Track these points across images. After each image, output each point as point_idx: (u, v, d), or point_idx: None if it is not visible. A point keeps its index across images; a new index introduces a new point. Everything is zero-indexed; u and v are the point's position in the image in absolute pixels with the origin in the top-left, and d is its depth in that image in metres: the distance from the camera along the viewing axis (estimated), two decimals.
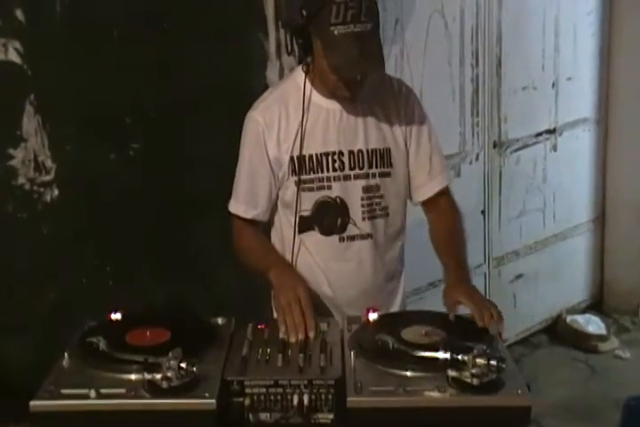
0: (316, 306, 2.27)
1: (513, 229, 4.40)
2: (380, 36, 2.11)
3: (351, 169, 2.28)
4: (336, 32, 2.04)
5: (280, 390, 1.74)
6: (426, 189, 2.40)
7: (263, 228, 2.40)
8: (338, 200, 2.29)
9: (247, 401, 1.74)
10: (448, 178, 2.44)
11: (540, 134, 4.42)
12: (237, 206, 2.34)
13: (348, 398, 1.68)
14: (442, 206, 2.43)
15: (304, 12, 2.07)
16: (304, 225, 2.32)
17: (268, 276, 2.18)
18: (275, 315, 2.16)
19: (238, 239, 2.35)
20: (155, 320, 1.99)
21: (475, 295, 2.14)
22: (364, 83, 2.20)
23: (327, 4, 2.03)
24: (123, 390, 1.69)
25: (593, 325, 4.61)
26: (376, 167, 2.30)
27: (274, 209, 2.37)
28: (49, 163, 2.91)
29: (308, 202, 2.29)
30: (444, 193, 2.43)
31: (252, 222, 2.34)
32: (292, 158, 2.25)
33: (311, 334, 1.97)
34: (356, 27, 2.04)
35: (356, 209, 2.31)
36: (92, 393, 1.67)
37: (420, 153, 2.37)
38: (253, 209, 2.32)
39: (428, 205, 2.43)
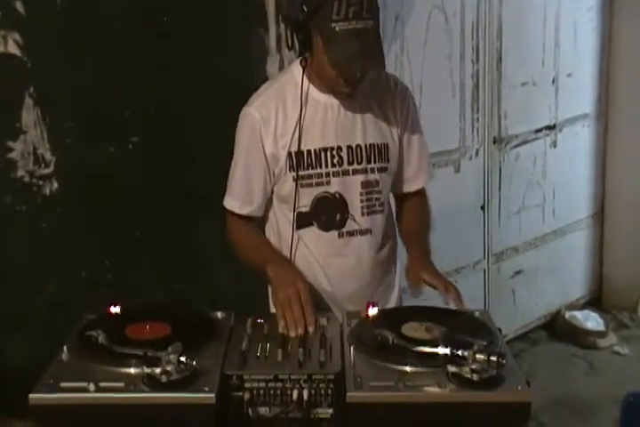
0: (315, 301, 2.27)
1: (512, 225, 4.40)
2: (380, 34, 2.11)
3: (350, 164, 2.28)
4: (337, 28, 2.03)
5: (279, 384, 1.74)
6: (409, 184, 2.44)
7: (257, 223, 2.39)
8: (337, 196, 2.29)
9: (247, 395, 1.73)
10: (430, 178, 2.49)
11: (539, 130, 4.42)
12: (232, 202, 2.33)
13: (348, 393, 1.68)
14: (414, 200, 2.48)
15: (305, 8, 2.07)
16: (302, 221, 2.31)
17: (266, 271, 2.17)
18: (273, 310, 2.15)
19: (233, 235, 2.35)
20: (154, 314, 1.99)
21: (437, 273, 2.20)
22: (364, 79, 2.20)
23: (328, 1, 2.02)
24: (122, 384, 1.69)
25: (592, 321, 4.61)
26: (374, 162, 2.30)
27: (268, 204, 2.36)
28: (48, 155, 2.91)
29: (306, 198, 2.28)
30: (421, 190, 2.49)
31: (246, 218, 2.34)
32: (289, 154, 2.24)
33: (311, 329, 1.97)
34: (358, 23, 2.03)
35: (355, 204, 2.31)
36: (92, 387, 1.67)
37: (410, 149, 2.39)
38: (248, 205, 2.31)
39: (403, 198, 2.49)
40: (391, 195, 2.48)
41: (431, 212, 2.51)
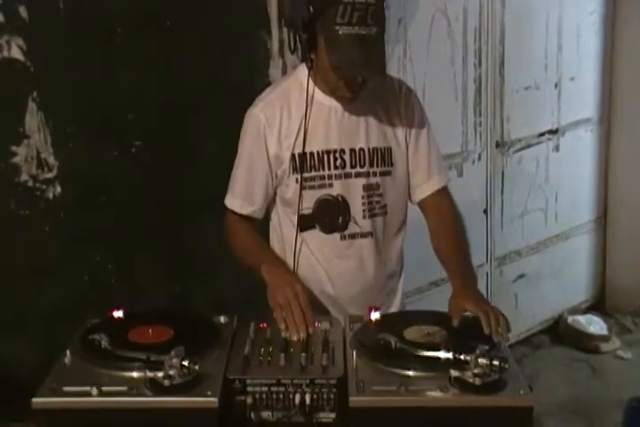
0: (317, 304, 2.28)
1: (515, 229, 4.40)
2: (384, 42, 2.11)
3: (352, 167, 2.28)
4: (340, 32, 2.03)
5: (282, 388, 1.74)
6: (423, 188, 2.39)
7: (258, 226, 2.39)
8: (339, 198, 2.29)
9: (249, 400, 1.73)
10: (446, 179, 2.42)
11: (542, 134, 4.42)
12: (234, 201, 2.33)
13: (350, 398, 1.68)
14: (441, 209, 2.40)
15: (311, 9, 2.07)
16: (305, 223, 2.31)
17: (260, 272, 2.17)
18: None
19: (232, 235, 2.34)
20: (157, 318, 1.99)
21: (481, 302, 2.09)
22: (365, 84, 2.20)
23: (334, 4, 2.02)
24: (125, 388, 1.69)
25: (594, 325, 4.61)
26: (377, 166, 2.30)
27: (272, 207, 2.37)
28: (51, 160, 2.91)
29: (308, 200, 2.28)
30: (443, 194, 2.40)
31: (246, 219, 2.34)
32: (293, 156, 2.25)
33: (311, 331, 1.97)
34: (361, 29, 2.03)
35: (357, 207, 2.31)
36: (94, 391, 1.67)
37: (418, 153, 2.36)
38: (250, 205, 2.31)
39: (426, 206, 2.40)
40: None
41: (463, 224, 2.41)
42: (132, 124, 3.04)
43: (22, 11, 2.77)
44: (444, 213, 2.40)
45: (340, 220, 2.31)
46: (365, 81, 2.18)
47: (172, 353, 1.69)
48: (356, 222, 2.32)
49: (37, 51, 2.81)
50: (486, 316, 2.00)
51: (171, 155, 3.13)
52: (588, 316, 4.73)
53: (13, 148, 2.85)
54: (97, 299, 2.92)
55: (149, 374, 1.69)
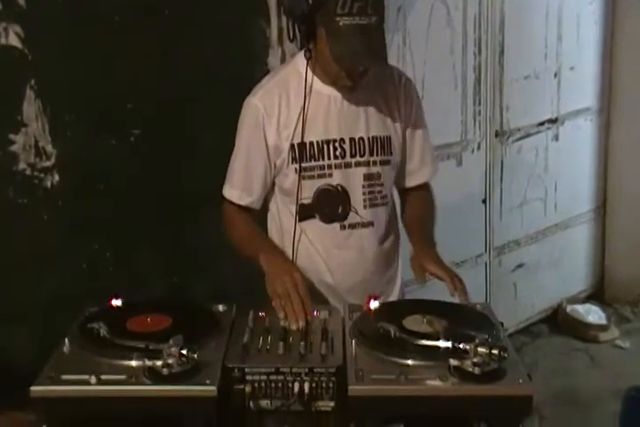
0: (316, 294, 2.27)
1: (514, 219, 4.40)
2: (384, 31, 2.10)
3: (352, 157, 2.28)
4: (341, 23, 2.03)
5: (281, 377, 1.74)
6: (416, 176, 2.44)
7: (257, 216, 2.39)
8: (339, 188, 2.29)
9: (248, 388, 1.73)
10: (436, 171, 2.48)
11: (541, 124, 4.42)
12: (232, 192, 2.33)
13: (349, 387, 1.67)
14: (418, 193, 2.48)
15: (310, 0, 2.06)
16: (304, 213, 2.31)
17: (258, 260, 2.17)
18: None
19: (230, 225, 2.34)
20: (156, 307, 1.98)
21: (442, 264, 2.18)
22: (366, 73, 2.19)
23: None
24: (123, 377, 1.69)
25: (593, 314, 4.62)
26: (377, 155, 2.30)
27: (271, 197, 2.36)
28: (49, 148, 2.90)
29: (308, 190, 2.28)
30: (427, 186, 2.49)
31: (244, 209, 2.34)
32: (292, 146, 2.24)
33: (309, 318, 1.97)
34: (362, 19, 2.02)
35: (357, 197, 2.31)
36: (93, 379, 1.66)
37: (414, 142, 2.39)
38: (248, 196, 2.31)
39: (408, 193, 2.48)
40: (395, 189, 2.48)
41: (435, 204, 2.50)
42: (130, 114, 3.03)
43: None
44: (418, 193, 2.48)
45: (340, 210, 2.31)
46: (366, 70, 2.18)
47: (171, 342, 1.69)
48: (357, 212, 2.32)
49: (35, 38, 2.80)
50: (451, 278, 2.09)
51: (169, 144, 3.12)
52: (587, 305, 4.74)
53: (11, 136, 2.84)
54: (96, 288, 2.91)
55: (148, 362, 1.68)
